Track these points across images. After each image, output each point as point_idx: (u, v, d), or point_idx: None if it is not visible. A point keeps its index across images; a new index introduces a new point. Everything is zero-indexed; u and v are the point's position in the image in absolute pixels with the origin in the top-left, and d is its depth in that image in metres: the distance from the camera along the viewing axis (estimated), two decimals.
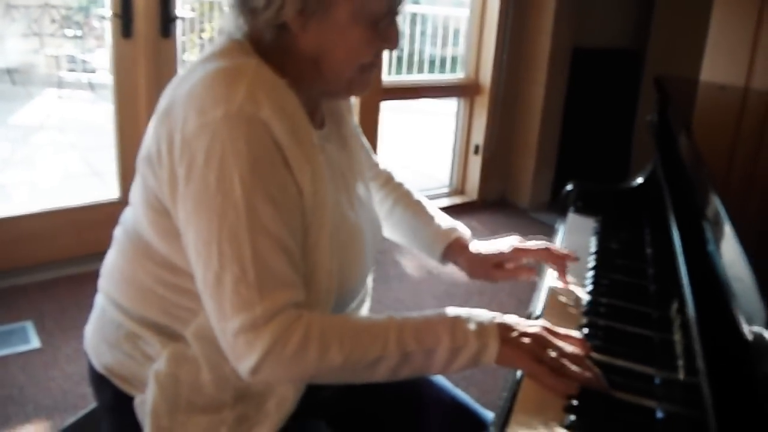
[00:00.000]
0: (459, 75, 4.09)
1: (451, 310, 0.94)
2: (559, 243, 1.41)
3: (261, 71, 0.92)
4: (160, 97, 0.96)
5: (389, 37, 0.98)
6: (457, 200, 4.12)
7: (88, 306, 1.09)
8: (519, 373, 0.92)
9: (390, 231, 1.31)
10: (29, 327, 2.40)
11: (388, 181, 1.32)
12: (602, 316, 1.11)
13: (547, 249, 1.21)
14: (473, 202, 4.11)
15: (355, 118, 1.20)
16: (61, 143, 5.18)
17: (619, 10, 4.28)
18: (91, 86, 6.62)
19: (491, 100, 3.95)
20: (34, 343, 2.31)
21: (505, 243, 1.23)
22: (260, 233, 0.86)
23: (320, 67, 0.96)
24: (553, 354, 0.90)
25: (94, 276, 1.08)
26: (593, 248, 1.37)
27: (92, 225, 2.84)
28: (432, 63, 6.60)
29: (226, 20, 0.98)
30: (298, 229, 0.91)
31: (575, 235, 1.45)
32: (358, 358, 0.88)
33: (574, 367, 0.89)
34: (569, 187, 1.62)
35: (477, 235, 1.27)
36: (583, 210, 1.56)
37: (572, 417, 0.84)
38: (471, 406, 1.17)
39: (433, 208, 1.30)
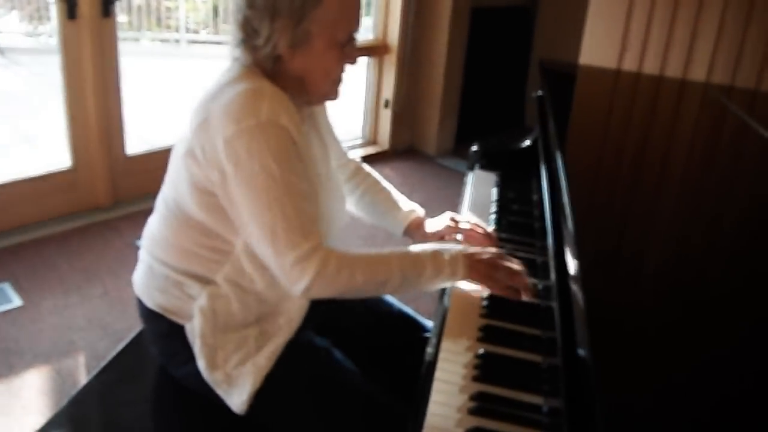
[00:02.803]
0: (368, 37, 4.46)
1: (433, 245, 1.34)
2: (468, 194, 1.86)
3: (274, 90, 1.27)
4: (194, 110, 1.30)
5: (351, 55, 1.34)
6: (370, 150, 4.51)
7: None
8: (446, 299, 1.36)
9: (360, 212, 1.69)
10: (7, 288, 2.66)
11: (357, 171, 1.66)
12: (501, 247, 1.57)
13: (472, 230, 1.57)
14: (385, 152, 4.53)
15: (329, 116, 1.56)
16: None
17: None
18: (1, 51, 6.55)
19: (399, 59, 4.33)
20: (16, 301, 2.59)
21: (442, 222, 1.60)
22: (296, 195, 1.22)
23: (304, 83, 1.33)
24: (502, 271, 1.34)
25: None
26: (494, 197, 1.83)
27: (50, 192, 3.10)
28: None
29: (234, 52, 1.32)
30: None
31: (481, 187, 1.90)
32: (373, 279, 1.26)
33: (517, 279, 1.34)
34: (475, 147, 2.06)
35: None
36: (487, 166, 2.01)
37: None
38: (414, 316, 1.60)
39: (396, 193, 1.67)
